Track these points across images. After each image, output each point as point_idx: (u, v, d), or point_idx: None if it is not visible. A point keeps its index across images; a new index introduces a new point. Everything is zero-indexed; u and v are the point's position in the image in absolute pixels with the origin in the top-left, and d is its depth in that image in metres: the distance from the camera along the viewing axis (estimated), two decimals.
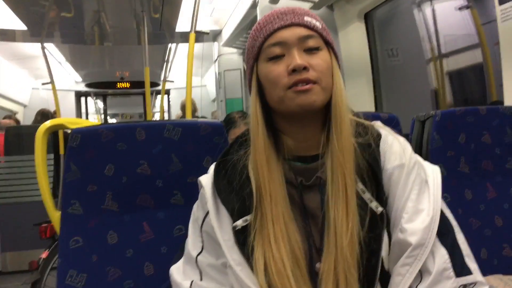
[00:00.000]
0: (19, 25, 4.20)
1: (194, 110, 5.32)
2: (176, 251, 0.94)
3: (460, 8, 2.80)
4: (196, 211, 0.92)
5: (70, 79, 7.68)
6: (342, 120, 0.83)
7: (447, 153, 1.24)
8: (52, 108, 5.33)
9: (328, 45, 0.87)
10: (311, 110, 0.82)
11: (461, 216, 1.19)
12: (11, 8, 3.85)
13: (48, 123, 1.17)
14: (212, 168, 0.92)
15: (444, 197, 1.16)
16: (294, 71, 0.80)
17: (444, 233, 0.79)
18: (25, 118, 6.94)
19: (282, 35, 0.83)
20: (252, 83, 0.88)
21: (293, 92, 0.80)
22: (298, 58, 0.80)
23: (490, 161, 1.29)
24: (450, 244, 0.79)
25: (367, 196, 0.82)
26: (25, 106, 7.10)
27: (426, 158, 1.24)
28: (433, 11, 3.05)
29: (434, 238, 0.77)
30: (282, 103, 0.83)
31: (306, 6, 3.04)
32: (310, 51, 0.83)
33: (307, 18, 0.85)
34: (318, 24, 0.86)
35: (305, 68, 0.80)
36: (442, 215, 0.81)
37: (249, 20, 3.70)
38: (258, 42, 0.85)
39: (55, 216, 1.17)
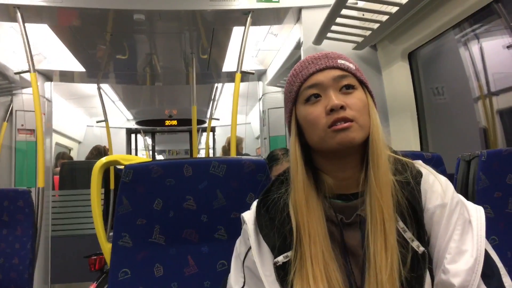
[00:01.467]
0: (77, 67, 4.48)
1: (240, 147, 5.42)
2: (219, 285, 0.97)
3: (509, 47, 2.75)
4: (239, 247, 0.94)
5: (122, 117, 8.03)
6: (379, 157, 0.85)
7: (494, 194, 1.21)
8: (104, 144, 5.60)
9: (363, 84, 0.90)
10: (350, 147, 0.84)
11: (510, 259, 1.14)
12: (71, 52, 4.14)
13: (104, 159, 1.25)
14: (254, 204, 0.95)
15: (492, 240, 1.14)
16: (332, 110, 0.84)
17: (489, 275, 0.78)
18: (79, 153, 7.28)
19: (318, 77, 0.88)
20: (292, 126, 0.92)
21: (333, 131, 0.83)
22: (334, 98, 0.84)
23: None
24: (495, 286, 0.77)
25: (408, 235, 0.82)
26: (79, 142, 7.47)
27: (472, 198, 1.21)
28: (481, 49, 3.01)
29: (479, 280, 0.76)
30: (322, 142, 0.86)
31: (350, 46, 3.09)
32: (346, 90, 0.87)
33: (340, 61, 0.90)
34: (351, 66, 0.90)
35: (342, 107, 0.84)
36: (487, 257, 0.80)
37: (293, 60, 3.78)
38: (295, 86, 0.90)
39: (106, 248, 1.22)
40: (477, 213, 0.84)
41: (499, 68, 2.97)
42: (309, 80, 0.89)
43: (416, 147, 2.87)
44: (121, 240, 1.13)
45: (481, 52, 2.98)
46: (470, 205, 0.86)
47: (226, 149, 5.46)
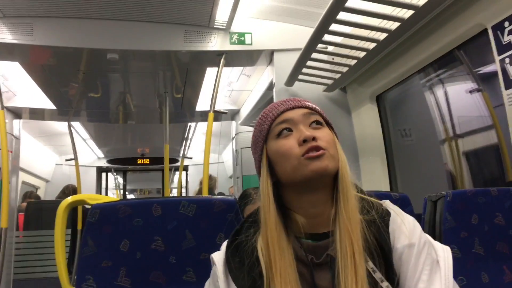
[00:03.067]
0: (48, 105, 4.42)
1: (214, 186, 5.36)
2: None
3: (471, 92, 2.88)
4: None
5: (92, 155, 7.90)
6: (348, 191, 0.87)
7: (460, 234, 1.23)
8: (73, 183, 5.45)
9: (329, 125, 0.95)
10: (324, 175, 0.86)
11: None
12: (42, 89, 4.09)
13: (70, 198, 1.22)
14: (224, 245, 0.94)
15: (459, 280, 1.14)
16: (304, 141, 0.86)
17: None
18: (47, 192, 7.07)
19: (288, 114, 0.92)
20: (262, 163, 0.93)
21: (306, 159, 0.85)
22: (306, 131, 0.88)
23: (505, 244, 1.26)
24: None
25: (378, 275, 0.82)
26: (47, 181, 7.27)
27: (439, 238, 1.22)
28: (445, 93, 3.14)
29: None
30: (296, 171, 0.86)
31: (320, 88, 3.17)
32: (315, 126, 0.91)
33: (307, 103, 0.95)
34: (317, 108, 0.96)
35: (314, 138, 0.86)
36: None
37: (266, 100, 3.85)
38: (266, 124, 0.93)
39: None
40: (444, 253, 0.85)
41: (463, 112, 3.10)
42: (280, 117, 0.92)
43: (385, 187, 2.91)
44: (84, 284, 1.08)
45: (446, 96, 3.10)
46: (437, 245, 0.87)
47: (198, 192, 5.42)
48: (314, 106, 0.95)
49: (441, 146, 3.05)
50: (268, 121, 0.93)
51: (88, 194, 1.22)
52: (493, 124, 2.72)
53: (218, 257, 0.91)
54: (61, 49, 3.06)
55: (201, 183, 5.22)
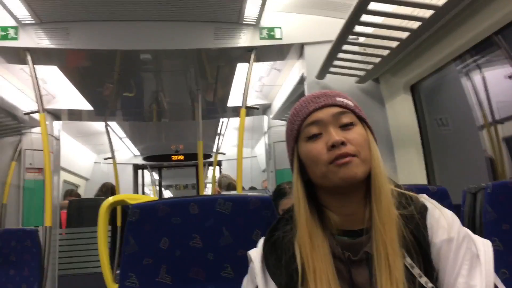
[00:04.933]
0: (85, 106, 4.56)
1: (227, 185, 5.29)
2: None
3: (510, 77, 2.78)
4: (246, 285, 0.93)
5: (128, 153, 8.09)
6: (381, 192, 0.86)
7: (502, 226, 1.20)
8: (111, 180, 5.62)
9: (362, 120, 0.91)
10: (353, 182, 0.85)
11: None
12: (79, 91, 4.23)
13: (111, 199, 1.27)
14: (261, 242, 0.95)
15: (502, 273, 1.12)
16: (333, 146, 0.85)
17: None
18: (87, 190, 7.30)
19: (318, 115, 0.90)
20: (294, 163, 0.93)
21: (335, 166, 0.84)
22: (335, 135, 0.86)
23: None
24: None
25: (416, 271, 0.81)
26: (87, 179, 7.51)
27: (479, 231, 1.20)
28: (483, 78, 3.04)
29: None
30: (325, 178, 0.86)
31: (352, 80, 3.13)
32: (345, 127, 0.89)
33: (338, 99, 0.91)
34: (350, 103, 0.92)
35: (343, 143, 0.85)
36: None
37: (297, 94, 3.83)
38: (296, 124, 0.92)
39: None
40: (484, 247, 0.83)
41: (502, 97, 2.99)
42: (310, 117, 0.90)
43: (422, 179, 2.85)
44: (127, 281, 1.12)
45: (484, 82, 3.00)
46: (477, 238, 0.85)
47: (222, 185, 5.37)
48: (345, 102, 0.92)
49: (480, 133, 2.96)
50: (298, 122, 0.92)
51: (128, 194, 1.26)
52: None
53: (255, 254, 0.93)
54: (96, 51, 3.16)
55: (218, 184, 5.21)
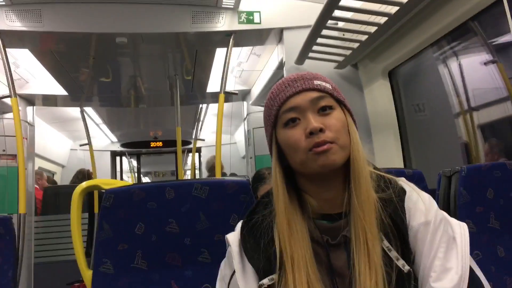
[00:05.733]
0: (60, 91, 4.45)
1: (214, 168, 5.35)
2: None
3: (486, 63, 2.82)
4: (223, 269, 0.93)
5: (106, 139, 7.98)
6: (360, 176, 0.85)
7: (475, 208, 1.22)
8: (88, 167, 5.53)
9: (341, 103, 0.90)
10: (332, 169, 0.84)
11: (494, 274, 1.14)
12: (54, 76, 4.12)
13: (84, 184, 1.23)
14: (239, 226, 0.94)
15: (475, 255, 1.14)
16: (311, 133, 0.83)
17: None
18: (63, 178, 7.18)
19: (295, 100, 0.88)
20: (272, 149, 0.92)
21: (314, 153, 0.83)
22: (313, 121, 0.84)
23: None
24: None
25: (393, 254, 0.81)
26: (63, 166, 7.38)
27: (454, 214, 1.21)
28: (460, 65, 3.07)
29: None
30: (304, 165, 0.86)
31: (331, 65, 3.13)
32: (324, 111, 0.87)
33: (316, 82, 0.89)
34: (328, 86, 0.90)
35: (321, 130, 0.83)
36: (472, 274, 0.79)
37: (276, 79, 3.81)
38: (273, 110, 0.90)
39: (87, 275, 1.19)
40: (460, 230, 0.84)
41: (478, 84, 3.04)
42: (287, 103, 0.88)
43: (399, 163, 2.89)
44: (102, 267, 1.10)
45: (460, 69, 3.04)
46: (453, 221, 0.86)
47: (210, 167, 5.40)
48: (323, 85, 0.90)
49: (455, 119, 3.01)
50: (275, 107, 0.89)
51: (102, 179, 1.23)
52: (508, 95, 2.67)
53: (233, 237, 0.92)
54: (70, 34, 3.06)
55: (206, 167, 5.22)
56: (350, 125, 0.89)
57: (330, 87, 0.90)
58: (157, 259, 1.13)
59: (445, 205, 1.24)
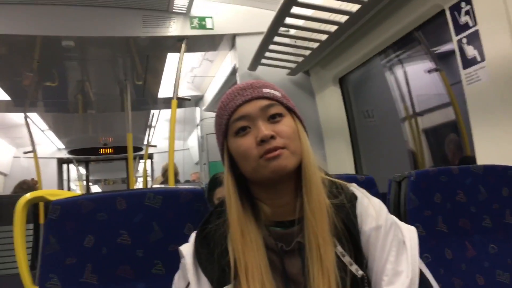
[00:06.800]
0: (2, 96, 4.23)
1: (176, 174, 5.29)
2: None
3: (429, 71, 2.95)
4: (177, 282, 0.90)
5: (52, 146, 7.65)
6: (311, 182, 0.86)
7: (424, 212, 1.26)
8: (33, 176, 5.26)
9: (291, 111, 0.91)
10: (283, 174, 0.84)
11: (443, 276, 1.18)
12: None
13: (28, 195, 1.17)
14: (193, 236, 0.92)
15: (425, 257, 1.17)
16: (262, 141, 0.83)
17: None
18: (6, 187, 6.81)
19: (245, 109, 0.87)
20: (224, 158, 0.91)
21: (265, 160, 0.83)
22: (264, 129, 0.84)
23: (467, 220, 1.30)
24: None
25: (347, 259, 0.82)
26: (6, 175, 6.99)
27: (404, 218, 1.25)
28: (405, 73, 3.20)
29: None
30: (256, 172, 0.85)
31: (284, 72, 3.17)
32: (274, 118, 0.87)
33: (265, 90, 0.89)
34: (277, 93, 0.91)
35: (272, 137, 0.83)
36: (422, 276, 0.82)
37: (229, 85, 3.81)
38: (224, 119, 0.89)
39: None
40: (410, 234, 0.86)
41: (422, 91, 3.18)
42: (237, 112, 0.88)
43: (351, 169, 2.96)
44: (48, 283, 1.04)
45: (405, 76, 3.17)
46: (403, 225, 0.88)
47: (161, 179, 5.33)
48: (273, 93, 0.90)
49: (402, 124, 3.13)
50: (226, 116, 0.89)
51: (48, 190, 1.17)
52: (450, 101, 2.81)
53: (187, 249, 0.90)
54: (12, 37, 2.92)
55: (163, 174, 5.15)
56: (300, 132, 0.90)
57: (280, 95, 0.91)
58: (108, 272, 1.08)
59: (395, 210, 1.28)
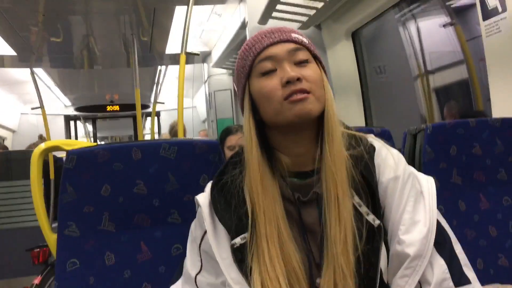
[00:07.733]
0: (8, 51, 4.19)
1: (184, 132, 5.30)
2: (175, 271, 0.94)
3: (445, 25, 2.87)
4: (194, 230, 0.91)
5: (59, 103, 7.65)
6: (334, 131, 0.84)
7: (439, 165, 1.25)
8: (41, 132, 5.29)
9: (316, 59, 0.89)
10: (308, 119, 0.83)
11: (456, 227, 1.19)
12: (0, 35, 3.86)
13: (44, 145, 1.17)
14: (208, 186, 0.92)
15: (439, 209, 1.17)
16: (288, 82, 0.81)
17: (441, 243, 0.80)
18: (14, 143, 6.87)
19: (272, 50, 0.85)
20: (245, 102, 0.89)
21: (289, 102, 0.81)
22: (290, 71, 0.82)
23: (482, 172, 1.29)
24: (447, 254, 0.79)
25: (363, 209, 0.83)
26: (14, 131, 7.04)
27: (419, 170, 1.23)
28: (418, 28, 3.12)
29: (432, 249, 0.78)
30: (279, 115, 0.83)
31: (295, 25, 3.09)
32: (300, 63, 0.85)
33: (294, 35, 0.87)
34: (305, 40, 0.88)
35: (298, 79, 0.81)
36: (439, 226, 0.82)
37: (238, 41, 3.75)
38: (248, 60, 0.87)
39: (51, 239, 1.15)
40: (428, 184, 0.86)
41: (435, 47, 3.11)
42: (264, 53, 0.85)
43: (361, 123, 2.95)
44: (67, 230, 1.06)
45: (418, 32, 3.09)
46: (421, 176, 0.88)
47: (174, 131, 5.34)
48: (301, 38, 0.88)
49: (414, 82, 3.08)
50: (251, 57, 0.86)
51: (63, 140, 1.17)
52: (464, 58, 2.75)
53: (203, 198, 0.90)
54: None
55: (170, 131, 5.15)
56: (325, 81, 0.88)
57: (307, 42, 0.89)
58: (125, 220, 1.10)
59: (410, 162, 1.26)
